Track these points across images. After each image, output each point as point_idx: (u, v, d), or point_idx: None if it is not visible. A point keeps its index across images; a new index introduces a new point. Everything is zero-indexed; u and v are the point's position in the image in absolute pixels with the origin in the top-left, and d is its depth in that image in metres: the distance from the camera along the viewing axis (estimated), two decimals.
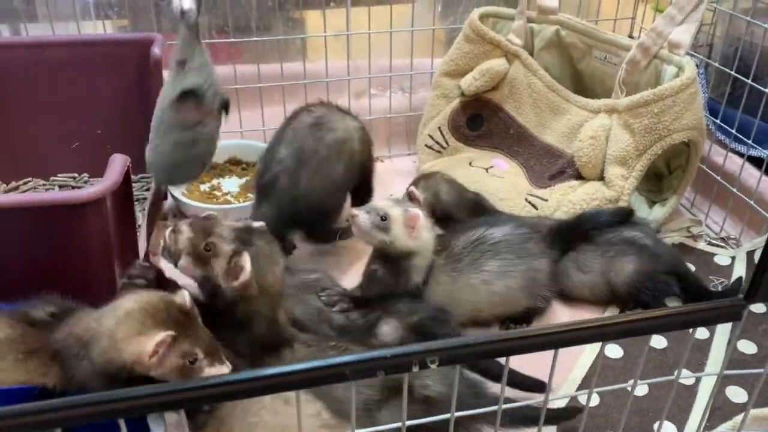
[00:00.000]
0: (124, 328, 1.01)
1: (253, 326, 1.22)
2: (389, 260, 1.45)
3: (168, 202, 2.00)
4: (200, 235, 1.20)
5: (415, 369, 0.81)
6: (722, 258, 1.80)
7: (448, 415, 0.91)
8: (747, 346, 1.49)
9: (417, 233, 1.43)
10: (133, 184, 1.96)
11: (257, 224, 1.26)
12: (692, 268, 1.77)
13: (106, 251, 1.22)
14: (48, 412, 0.71)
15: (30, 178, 1.98)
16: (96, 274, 1.22)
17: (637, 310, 1.44)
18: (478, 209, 1.71)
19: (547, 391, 0.94)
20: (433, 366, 0.81)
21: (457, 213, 1.68)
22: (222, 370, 1.05)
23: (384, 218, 1.41)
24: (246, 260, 1.17)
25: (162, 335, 0.98)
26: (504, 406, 0.94)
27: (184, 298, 1.06)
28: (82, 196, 1.09)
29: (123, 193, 1.23)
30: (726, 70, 1.92)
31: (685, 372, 1.40)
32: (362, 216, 1.42)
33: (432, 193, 1.69)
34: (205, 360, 1.03)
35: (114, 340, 1.00)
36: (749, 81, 1.81)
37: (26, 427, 0.70)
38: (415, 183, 1.74)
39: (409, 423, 0.89)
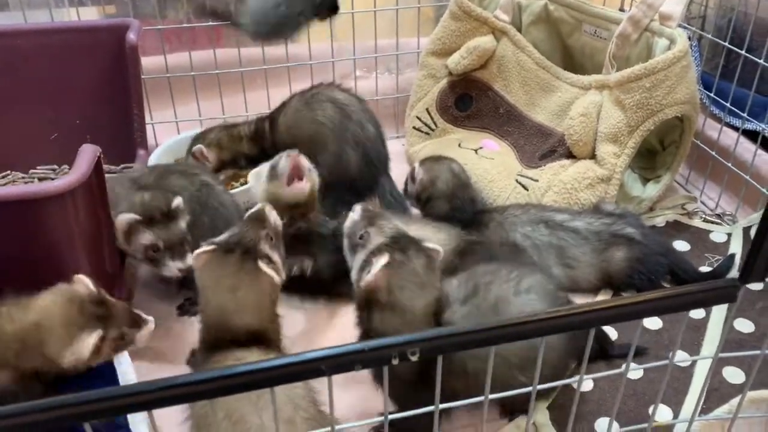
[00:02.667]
0: (53, 339, 1.05)
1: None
2: None
3: None
4: (364, 221, 1.16)
5: (395, 362, 0.77)
6: (718, 235, 1.76)
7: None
8: (744, 325, 1.46)
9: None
10: (115, 175, 1.93)
11: (431, 246, 1.15)
12: (687, 246, 1.73)
13: (75, 244, 1.17)
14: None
15: (9, 171, 1.93)
16: (66, 267, 1.17)
17: (629, 294, 1.39)
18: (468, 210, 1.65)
19: (535, 380, 0.90)
20: (414, 358, 0.78)
21: (444, 205, 1.64)
22: (149, 327, 1.15)
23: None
24: (380, 262, 1.07)
25: (93, 337, 1.05)
26: (491, 396, 0.90)
27: (85, 285, 1.08)
28: (47, 190, 1.04)
29: (94, 184, 1.18)
30: (719, 41, 1.87)
31: (680, 355, 1.37)
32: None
33: (430, 177, 1.65)
34: (132, 330, 1.12)
35: (43, 350, 1.05)
36: (743, 52, 1.76)
37: None
38: (423, 161, 1.70)
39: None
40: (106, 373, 1.18)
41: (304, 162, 1.54)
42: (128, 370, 1.20)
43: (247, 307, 1.11)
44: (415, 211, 1.74)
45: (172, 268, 1.35)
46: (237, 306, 1.11)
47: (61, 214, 1.10)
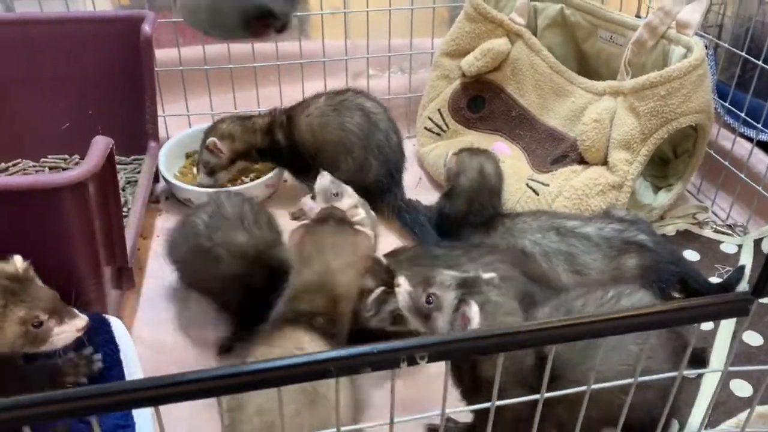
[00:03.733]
0: None
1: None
2: None
3: (160, 185, 1.96)
4: (420, 287, 1.12)
5: (404, 365, 0.77)
6: (728, 246, 1.75)
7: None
8: (753, 338, 1.45)
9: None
10: (126, 166, 1.94)
11: (487, 276, 1.12)
12: (697, 256, 1.72)
13: (88, 236, 1.17)
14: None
15: (20, 160, 1.94)
16: (78, 258, 1.18)
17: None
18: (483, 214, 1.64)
19: (542, 390, 0.89)
20: (423, 362, 0.77)
21: (463, 205, 1.64)
22: (76, 324, 1.06)
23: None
24: (474, 310, 1.04)
25: None
26: (497, 403, 0.90)
27: (16, 264, 1.04)
28: (60, 180, 1.04)
29: (106, 175, 1.18)
30: (736, 51, 1.85)
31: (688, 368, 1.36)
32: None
33: (458, 170, 1.66)
34: (52, 320, 1.03)
35: None
36: (760, 63, 1.75)
37: None
38: (461, 150, 1.70)
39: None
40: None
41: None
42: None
43: (348, 266, 1.20)
44: None
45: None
46: (339, 266, 1.18)
47: (73, 204, 1.10)
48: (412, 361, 0.77)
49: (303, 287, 1.17)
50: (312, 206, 1.57)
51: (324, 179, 1.58)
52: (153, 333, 1.45)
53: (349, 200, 1.56)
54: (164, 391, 0.73)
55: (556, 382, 1.02)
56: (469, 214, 1.61)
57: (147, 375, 1.30)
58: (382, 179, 1.76)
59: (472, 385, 1.11)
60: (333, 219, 1.26)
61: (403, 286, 1.17)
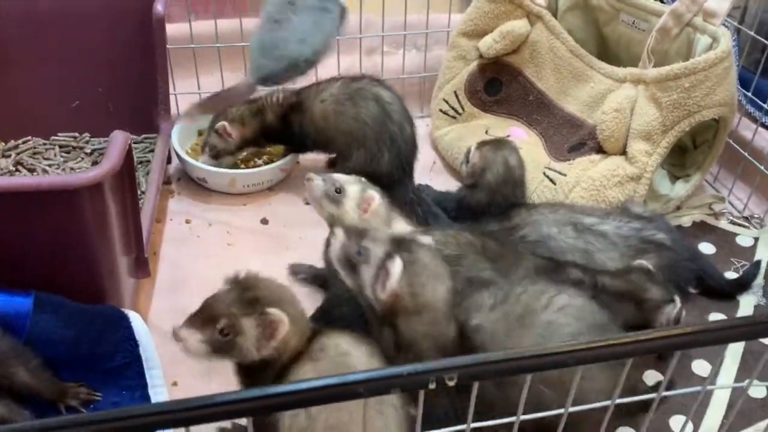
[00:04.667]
0: None
1: (420, 350, 1.11)
2: None
3: (173, 166, 1.94)
4: (353, 239, 1.13)
5: (432, 386, 0.77)
6: (744, 239, 1.74)
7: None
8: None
9: (369, 216, 1.33)
10: (137, 145, 1.92)
11: (424, 239, 1.15)
12: (713, 248, 1.72)
13: (106, 235, 1.16)
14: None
15: (30, 137, 1.91)
16: (96, 254, 1.17)
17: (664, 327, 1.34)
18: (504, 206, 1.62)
19: (567, 404, 0.90)
20: (451, 383, 0.77)
21: (484, 198, 1.62)
22: None
23: (338, 191, 1.35)
24: (396, 264, 1.06)
25: None
26: (522, 417, 0.90)
27: None
28: (79, 181, 1.02)
29: (124, 169, 1.16)
30: (760, 39, 1.81)
31: (704, 367, 1.37)
32: (317, 181, 1.37)
33: (483, 165, 1.63)
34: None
35: None
36: None
37: None
38: (482, 144, 1.67)
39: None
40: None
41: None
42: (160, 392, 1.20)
43: None
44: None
45: None
46: None
47: (91, 203, 1.09)
48: (441, 382, 0.78)
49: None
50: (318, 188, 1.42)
51: (315, 188, 1.39)
52: (170, 322, 1.44)
53: (353, 188, 1.40)
54: (193, 413, 0.73)
55: (471, 352, 1.07)
56: (491, 206, 1.60)
57: (165, 367, 1.32)
58: (393, 171, 1.73)
59: (393, 344, 1.12)
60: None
61: (339, 236, 1.15)
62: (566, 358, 0.81)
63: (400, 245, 1.11)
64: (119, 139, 1.12)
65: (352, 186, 1.37)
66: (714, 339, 0.85)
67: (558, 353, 0.80)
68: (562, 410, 0.90)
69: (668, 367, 0.88)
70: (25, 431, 0.69)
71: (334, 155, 1.88)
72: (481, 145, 1.66)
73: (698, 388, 0.96)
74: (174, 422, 0.73)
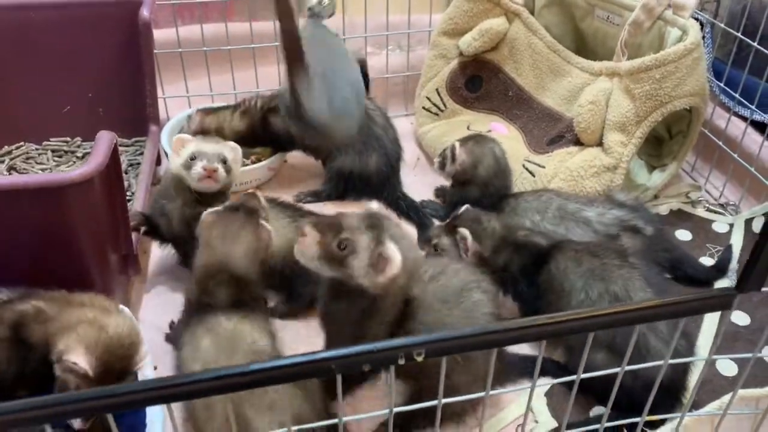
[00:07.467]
0: None
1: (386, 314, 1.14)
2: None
3: (162, 167, 1.98)
4: (329, 234, 1.08)
5: (401, 362, 0.81)
6: (720, 225, 1.79)
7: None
8: (740, 318, 1.50)
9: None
10: (127, 149, 1.96)
11: (375, 206, 1.20)
12: (689, 235, 1.76)
13: (94, 229, 1.21)
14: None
15: (22, 143, 1.96)
16: (85, 251, 1.21)
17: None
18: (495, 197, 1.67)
19: (534, 380, 0.94)
20: (419, 359, 0.81)
21: (476, 191, 1.67)
22: None
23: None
24: (392, 248, 1.06)
25: None
26: (492, 392, 0.95)
27: None
28: (65, 179, 1.07)
29: (111, 168, 1.21)
30: (731, 31, 1.86)
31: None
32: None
33: (473, 161, 1.67)
34: None
35: None
36: (755, 44, 1.76)
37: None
38: (464, 141, 1.70)
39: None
40: None
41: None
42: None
43: (247, 255, 1.22)
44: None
45: None
46: (239, 254, 1.21)
47: (79, 201, 1.13)
48: (409, 358, 0.82)
49: (205, 270, 1.21)
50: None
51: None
52: (160, 317, 1.49)
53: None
54: (173, 390, 0.77)
55: (407, 319, 1.15)
56: (483, 199, 1.64)
57: (156, 360, 1.37)
58: (383, 168, 1.80)
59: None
60: (244, 209, 1.27)
61: (310, 235, 1.08)
62: (536, 331, 0.85)
63: (377, 227, 1.11)
64: (105, 138, 1.16)
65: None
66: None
67: (523, 327, 0.85)
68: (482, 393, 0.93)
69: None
70: (14, 410, 0.72)
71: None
72: (464, 141, 1.70)
73: (660, 362, 1.00)
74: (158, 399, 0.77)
